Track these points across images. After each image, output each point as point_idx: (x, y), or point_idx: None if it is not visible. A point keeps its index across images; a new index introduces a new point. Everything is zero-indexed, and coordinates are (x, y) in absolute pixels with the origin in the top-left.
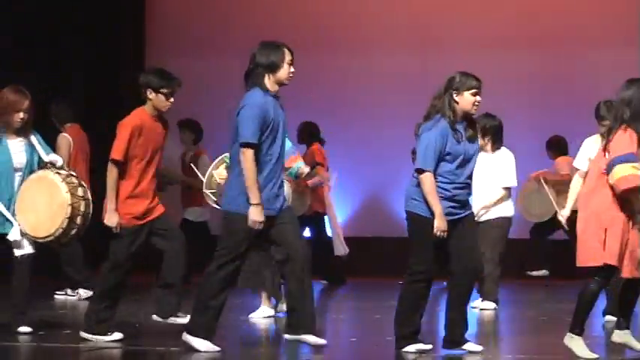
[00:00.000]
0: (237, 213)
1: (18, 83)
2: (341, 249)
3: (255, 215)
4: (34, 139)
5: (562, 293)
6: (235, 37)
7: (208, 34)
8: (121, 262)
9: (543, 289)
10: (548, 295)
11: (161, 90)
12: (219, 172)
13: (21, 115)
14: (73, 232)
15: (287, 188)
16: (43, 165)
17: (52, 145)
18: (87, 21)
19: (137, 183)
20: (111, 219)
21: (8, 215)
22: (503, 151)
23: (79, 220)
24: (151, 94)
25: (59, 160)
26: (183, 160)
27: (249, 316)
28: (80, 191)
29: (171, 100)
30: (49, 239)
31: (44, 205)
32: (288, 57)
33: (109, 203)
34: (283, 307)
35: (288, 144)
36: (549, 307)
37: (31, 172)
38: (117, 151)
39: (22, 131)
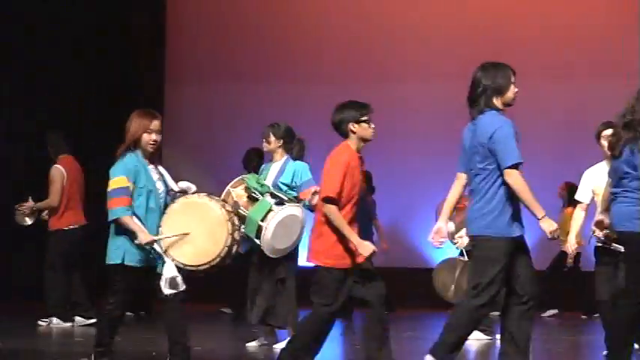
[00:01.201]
0: (499, 236)
1: (34, 109)
2: None
3: (548, 226)
4: (160, 167)
5: (569, 325)
6: (251, 63)
7: (226, 60)
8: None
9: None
10: (558, 326)
11: (362, 119)
12: (237, 192)
13: (153, 136)
14: (234, 248)
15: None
16: (174, 195)
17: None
18: (104, 48)
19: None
20: (365, 248)
21: (160, 251)
22: None
23: (236, 235)
24: (354, 127)
25: (192, 187)
26: None
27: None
28: (227, 206)
29: (373, 125)
30: (213, 263)
31: (199, 230)
32: (512, 77)
33: (352, 238)
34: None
35: (308, 175)
36: (562, 339)
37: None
38: (332, 189)
39: (154, 158)
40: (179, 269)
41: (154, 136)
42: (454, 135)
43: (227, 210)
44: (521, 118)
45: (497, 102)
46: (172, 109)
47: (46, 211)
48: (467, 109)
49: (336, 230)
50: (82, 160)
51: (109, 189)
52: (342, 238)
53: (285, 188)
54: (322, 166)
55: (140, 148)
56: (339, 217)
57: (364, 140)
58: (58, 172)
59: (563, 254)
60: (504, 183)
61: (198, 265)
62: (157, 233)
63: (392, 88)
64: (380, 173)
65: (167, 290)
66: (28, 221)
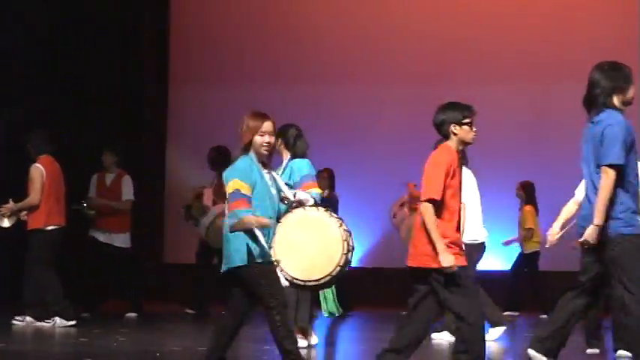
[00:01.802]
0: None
1: (38, 111)
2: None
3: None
4: (273, 172)
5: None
6: (255, 65)
7: (229, 62)
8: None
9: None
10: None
11: (464, 121)
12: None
13: (266, 138)
14: (345, 269)
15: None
16: (289, 205)
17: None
18: (107, 50)
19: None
20: (446, 259)
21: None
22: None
23: (350, 255)
24: (455, 129)
25: (310, 199)
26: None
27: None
28: (344, 225)
29: (475, 129)
30: (323, 281)
31: (313, 246)
32: (631, 77)
33: (438, 244)
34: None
35: (306, 170)
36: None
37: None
38: (435, 190)
39: (267, 162)
40: (287, 281)
41: (266, 138)
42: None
43: (344, 229)
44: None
45: (616, 101)
46: (176, 112)
47: (25, 211)
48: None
49: (445, 232)
50: (85, 160)
51: (227, 193)
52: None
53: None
54: (323, 165)
55: (253, 151)
56: (433, 219)
57: (465, 143)
58: (38, 171)
59: (522, 255)
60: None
61: (307, 281)
62: (271, 240)
63: (395, 89)
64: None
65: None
66: (7, 223)
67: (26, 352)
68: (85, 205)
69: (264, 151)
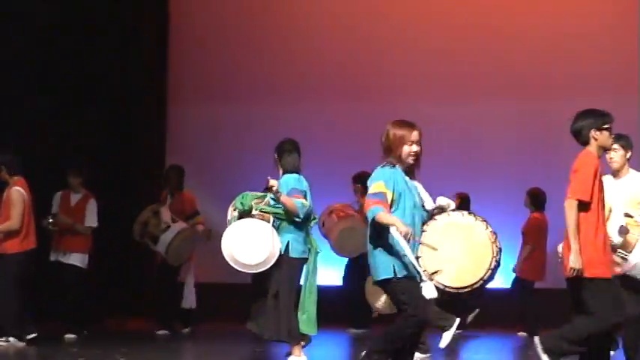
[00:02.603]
0: None
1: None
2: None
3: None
4: (416, 181)
5: None
6: (255, 81)
7: (228, 78)
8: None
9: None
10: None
11: (604, 126)
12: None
13: (414, 148)
14: (496, 272)
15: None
16: (431, 212)
17: None
18: (105, 65)
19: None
20: (577, 262)
21: (420, 270)
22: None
23: (500, 257)
24: (595, 134)
25: (452, 203)
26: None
27: None
28: (490, 227)
29: (613, 135)
30: (476, 286)
31: (462, 251)
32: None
33: (574, 245)
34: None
35: (290, 185)
36: None
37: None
38: (584, 191)
39: (411, 172)
40: (439, 290)
41: (414, 148)
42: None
43: (491, 231)
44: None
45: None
46: (175, 128)
47: None
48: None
49: (597, 237)
50: (86, 177)
51: (369, 193)
52: (601, 245)
53: (273, 202)
54: (322, 182)
55: (400, 160)
56: (574, 217)
57: (603, 148)
58: (20, 194)
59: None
60: None
61: (460, 288)
62: (417, 249)
63: (402, 103)
64: None
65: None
66: None
67: None
68: (51, 220)
69: (411, 160)
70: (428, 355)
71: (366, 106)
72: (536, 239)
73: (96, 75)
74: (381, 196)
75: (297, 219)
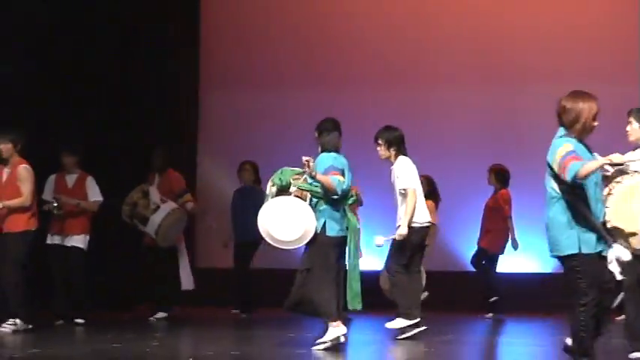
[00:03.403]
0: None
1: (72, 119)
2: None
3: None
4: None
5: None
6: (287, 67)
7: (260, 65)
8: None
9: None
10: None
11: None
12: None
13: (595, 122)
14: None
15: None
16: (610, 176)
17: None
18: (140, 56)
19: None
20: None
21: (605, 234)
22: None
23: None
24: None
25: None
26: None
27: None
28: None
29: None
30: None
31: None
32: None
33: None
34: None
35: (326, 163)
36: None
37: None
38: None
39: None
40: (631, 255)
41: (595, 122)
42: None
43: None
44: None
45: None
46: (207, 115)
47: None
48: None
49: None
50: (112, 162)
51: (560, 156)
52: None
53: (310, 180)
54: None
55: (583, 131)
56: None
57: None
58: (29, 171)
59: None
60: None
61: None
62: (603, 214)
63: (435, 92)
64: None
65: (619, 276)
66: None
67: (60, 357)
68: (55, 204)
69: (588, 134)
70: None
71: (399, 93)
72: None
73: (127, 63)
74: (573, 153)
75: (334, 196)
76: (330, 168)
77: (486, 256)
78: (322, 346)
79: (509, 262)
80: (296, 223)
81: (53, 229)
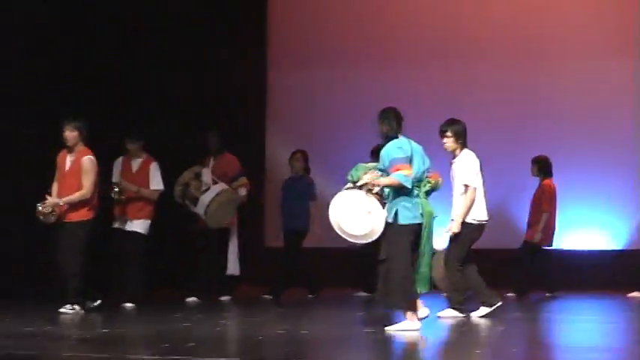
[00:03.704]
0: None
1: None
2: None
3: None
4: None
5: None
6: (355, 48)
7: (327, 46)
8: None
9: None
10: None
11: None
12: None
13: None
14: None
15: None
16: None
17: None
18: (208, 32)
19: None
20: None
21: None
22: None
23: None
24: None
25: None
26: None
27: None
28: None
29: None
30: None
31: None
32: None
33: None
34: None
35: (391, 155)
36: None
37: None
38: None
39: None
40: None
41: None
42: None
43: None
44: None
45: None
46: (275, 96)
47: (53, 212)
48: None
49: None
50: (186, 148)
51: None
52: None
53: (381, 173)
54: (430, 146)
55: None
56: None
57: None
58: (93, 163)
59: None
60: None
61: None
62: None
63: (486, 68)
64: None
65: None
66: (54, 218)
67: (131, 336)
68: (117, 190)
69: None
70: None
71: (461, 68)
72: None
73: (192, 43)
74: None
75: (405, 189)
76: (394, 161)
77: (531, 248)
78: (392, 329)
79: (578, 239)
80: (365, 220)
81: (116, 212)
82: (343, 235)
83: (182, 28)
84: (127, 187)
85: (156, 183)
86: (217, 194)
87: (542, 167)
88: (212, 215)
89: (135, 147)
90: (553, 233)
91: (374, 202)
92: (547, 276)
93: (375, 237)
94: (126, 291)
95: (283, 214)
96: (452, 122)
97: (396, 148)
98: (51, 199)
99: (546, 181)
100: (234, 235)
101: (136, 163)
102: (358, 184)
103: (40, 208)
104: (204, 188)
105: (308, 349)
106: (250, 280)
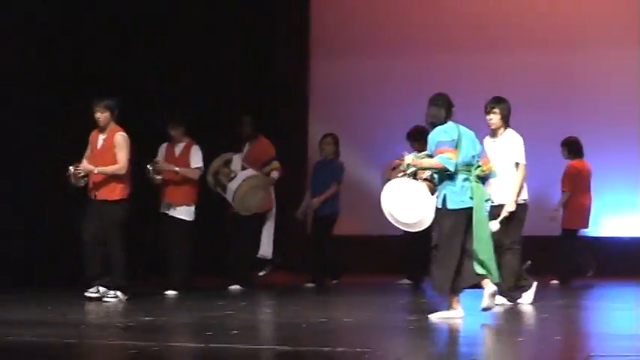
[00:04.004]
0: None
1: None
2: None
3: None
4: None
5: None
6: (398, 34)
7: (370, 34)
8: None
9: None
10: None
11: None
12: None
13: None
14: None
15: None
16: None
17: None
18: (250, 23)
19: None
20: None
21: None
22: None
23: None
24: None
25: None
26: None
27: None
28: None
29: None
30: None
31: None
32: None
33: None
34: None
35: (436, 138)
36: None
37: None
38: None
39: None
40: None
41: None
42: None
43: None
44: None
45: None
46: (318, 84)
47: (85, 177)
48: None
49: None
50: (225, 135)
51: None
52: None
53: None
54: (480, 134)
55: None
56: None
57: None
58: (125, 139)
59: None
60: None
61: None
62: None
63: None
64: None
65: None
66: (83, 182)
67: (174, 324)
68: (151, 168)
69: None
70: (512, 303)
71: (504, 56)
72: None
73: (233, 29)
74: None
75: (448, 173)
76: (438, 144)
77: (567, 234)
78: (436, 317)
79: (617, 225)
80: (414, 207)
81: (161, 197)
82: (396, 224)
83: (227, 15)
84: (165, 167)
85: (195, 162)
86: (244, 180)
87: (573, 149)
88: (239, 201)
89: (177, 132)
90: (587, 216)
91: (423, 187)
92: (575, 258)
93: (426, 225)
94: (170, 278)
95: (312, 198)
96: (499, 100)
97: (442, 132)
98: (85, 164)
99: (573, 162)
100: (271, 219)
101: (178, 148)
102: (401, 166)
103: (73, 169)
104: (232, 175)
105: (351, 337)
106: (292, 268)
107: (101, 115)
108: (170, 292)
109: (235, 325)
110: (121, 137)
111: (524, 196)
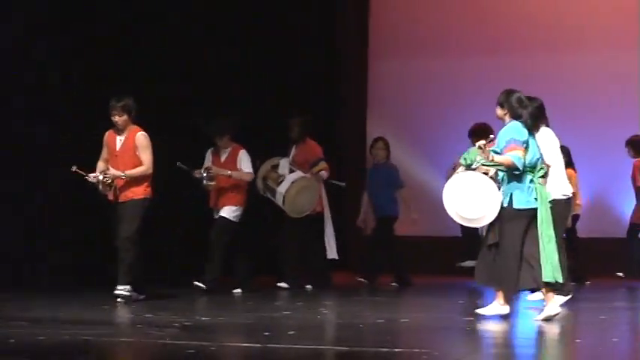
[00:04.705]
0: None
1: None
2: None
3: None
4: None
5: None
6: (456, 36)
7: (427, 36)
8: None
9: None
10: None
11: None
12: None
13: None
14: None
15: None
16: None
17: None
18: (309, 24)
19: None
20: None
21: None
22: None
23: None
24: None
25: None
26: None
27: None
28: None
29: None
30: None
31: None
32: None
33: None
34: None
35: (508, 135)
36: None
37: None
38: None
39: None
40: None
41: None
42: None
43: None
44: None
45: None
46: (376, 84)
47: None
48: None
49: None
50: (277, 138)
51: None
52: None
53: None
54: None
55: None
56: None
57: None
58: (148, 139)
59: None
60: None
61: None
62: None
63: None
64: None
65: None
66: (110, 189)
67: (231, 324)
68: (205, 174)
69: None
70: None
71: (558, 58)
72: None
73: (291, 30)
74: None
75: (516, 171)
76: (510, 141)
77: (632, 230)
78: (482, 312)
79: None
80: (479, 201)
81: (211, 203)
82: (459, 220)
83: (285, 16)
84: (218, 172)
85: (245, 166)
86: (292, 183)
87: (637, 147)
88: (290, 204)
89: (222, 141)
90: None
91: (490, 183)
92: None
93: (487, 221)
94: (234, 278)
95: (374, 203)
96: (530, 99)
97: (514, 130)
98: (113, 171)
99: (636, 160)
100: (328, 220)
101: (224, 153)
102: (473, 165)
103: (102, 177)
104: (280, 180)
105: (409, 338)
106: (350, 269)
107: (119, 119)
108: (236, 291)
109: (292, 326)
110: (143, 137)
111: (567, 191)
